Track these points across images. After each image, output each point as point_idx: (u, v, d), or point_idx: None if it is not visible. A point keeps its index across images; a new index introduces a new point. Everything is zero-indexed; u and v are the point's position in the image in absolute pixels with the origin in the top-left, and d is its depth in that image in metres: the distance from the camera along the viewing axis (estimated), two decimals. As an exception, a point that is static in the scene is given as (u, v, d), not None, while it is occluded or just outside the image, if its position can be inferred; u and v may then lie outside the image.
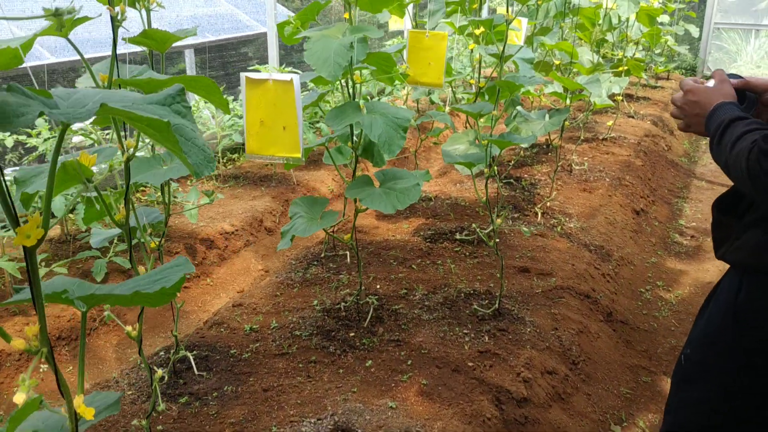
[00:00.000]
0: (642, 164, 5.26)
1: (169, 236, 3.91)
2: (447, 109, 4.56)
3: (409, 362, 2.50)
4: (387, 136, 2.21)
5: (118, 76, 1.41)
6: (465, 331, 2.71)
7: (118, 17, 1.35)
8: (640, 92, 7.89)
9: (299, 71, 6.05)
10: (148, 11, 1.99)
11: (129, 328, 1.62)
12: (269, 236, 4.37)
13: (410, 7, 3.86)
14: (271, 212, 4.52)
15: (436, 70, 2.87)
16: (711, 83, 1.50)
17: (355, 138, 2.50)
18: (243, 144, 4.21)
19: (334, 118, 2.26)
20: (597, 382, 2.77)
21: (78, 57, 5.25)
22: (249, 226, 4.31)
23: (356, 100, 2.45)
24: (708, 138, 1.41)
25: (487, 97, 3.46)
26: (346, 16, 2.42)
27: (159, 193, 4.12)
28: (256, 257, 4.12)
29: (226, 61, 8.59)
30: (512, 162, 4.80)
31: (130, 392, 2.38)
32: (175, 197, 4.09)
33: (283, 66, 5.81)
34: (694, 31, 8.75)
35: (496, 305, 2.83)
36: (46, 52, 5.38)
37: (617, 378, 2.86)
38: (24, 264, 3.20)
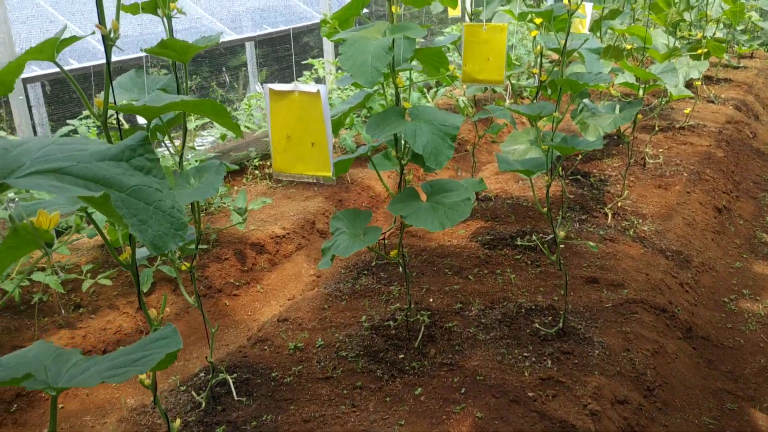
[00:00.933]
0: (724, 155, 4.83)
1: (219, 242, 3.80)
2: (507, 102, 4.28)
3: (463, 390, 2.28)
4: (433, 147, 1.99)
5: (115, 98, 1.24)
6: (525, 353, 2.47)
7: (111, 35, 1.18)
8: (721, 74, 7.33)
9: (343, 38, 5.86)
10: (169, 19, 1.82)
11: (142, 375, 1.47)
12: (321, 238, 4.21)
13: (466, -6, 3.60)
14: (324, 213, 4.35)
15: (495, 66, 2.61)
16: None
17: (402, 144, 2.29)
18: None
19: (375, 127, 2.05)
20: (675, 411, 2.48)
21: (135, 55, 5.15)
22: (301, 229, 4.17)
23: (401, 104, 2.23)
24: None
25: (549, 91, 3.17)
26: (394, 9, 2.20)
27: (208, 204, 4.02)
28: (308, 261, 3.97)
29: (285, 55, 8.48)
30: (579, 156, 4.48)
31: (161, 421, 2.25)
32: (223, 202, 3.97)
33: (338, 59, 5.63)
34: (781, 4, 8.08)
35: (561, 324, 2.58)
36: (72, 59, 5.35)
37: (698, 405, 2.56)
38: (70, 276, 3.14)
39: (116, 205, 0.69)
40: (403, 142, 2.26)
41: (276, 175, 1.82)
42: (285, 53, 8.80)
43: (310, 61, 5.54)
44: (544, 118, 2.49)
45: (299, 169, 1.77)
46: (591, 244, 2.46)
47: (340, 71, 5.58)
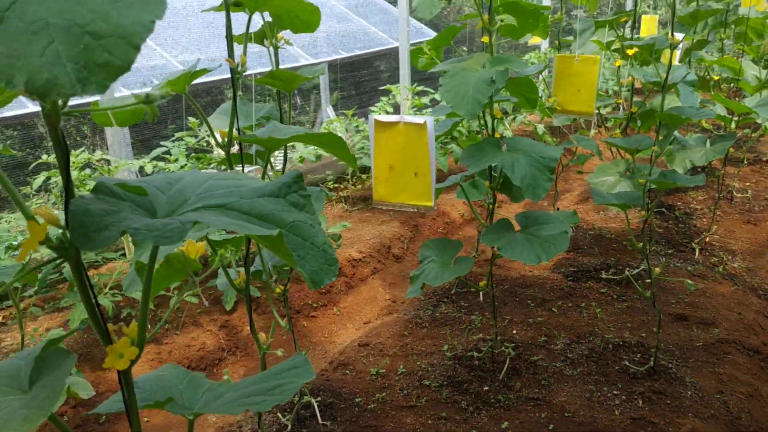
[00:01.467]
0: (817, 190, 4.62)
1: (298, 263, 3.86)
2: (591, 132, 4.22)
3: (551, 426, 2.23)
4: (531, 178, 1.97)
5: (239, 131, 1.29)
6: (615, 391, 2.40)
7: (238, 68, 1.22)
8: (810, 104, 7.04)
9: (431, 89, 5.90)
10: (276, 49, 1.88)
11: None
12: (397, 263, 4.22)
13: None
14: (399, 238, 4.37)
15: (586, 97, 2.59)
16: None
17: (493, 173, 2.28)
18: (370, 173, 4.09)
19: (471, 157, 2.05)
20: (774, 460, 2.36)
21: (220, 77, 5.29)
22: (377, 253, 4.19)
23: (495, 135, 2.23)
24: None
25: (639, 122, 3.12)
26: (485, 40, 2.21)
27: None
28: (384, 286, 3.99)
29: (358, 80, 8.61)
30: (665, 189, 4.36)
31: (252, 442, 2.29)
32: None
33: (415, 85, 5.67)
34: None
35: (651, 362, 2.50)
36: (155, 79, 5.55)
37: (798, 455, 2.43)
38: (120, 298, 3.24)
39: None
40: (494, 172, 2.25)
41: (376, 204, 1.85)
42: (359, 78, 8.93)
43: (387, 87, 5.61)
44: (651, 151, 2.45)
45: (401, 198, 1.78)
46: (689, 282, 2.39)
47: (415, 96, 5.62)
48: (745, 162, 4.76)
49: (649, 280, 3.19)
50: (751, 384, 2.61)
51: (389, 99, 5.57)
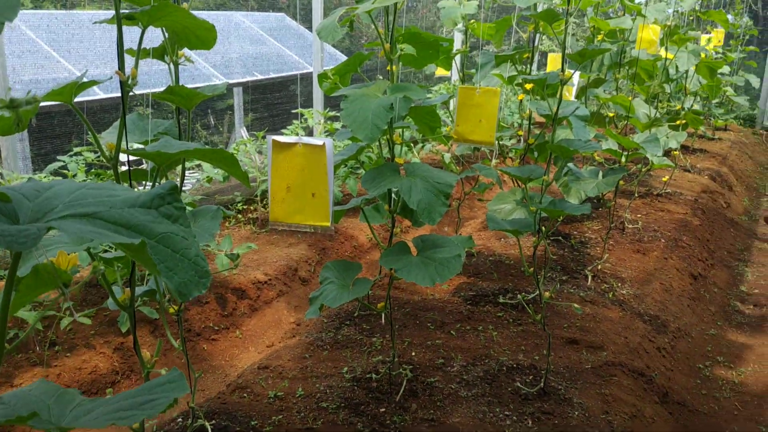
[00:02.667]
0: (700, 223, 4.96)
1: (201, 284, 3.78)
2: (493, 162, 4.38)
3: (443, 447, 2.28)
4: (427, 203, 2.03)
5: (127, 146, 1.27)
6: (506, 412, 2.47)
7: (129, 81, 1.21)
8: (697, 144, 7.57)
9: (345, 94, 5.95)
10: (176, 65, 1.87)
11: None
12: (303, 286, 4.21)
13: (457, 57, 3.71)
14: (307, 261, 4.36)
15: (486, 128, 2.69)
16: None
17: (393, 197, 2.33)
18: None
19: (371, 181, 2.09)
20: (652, 477, 2.49)
21: (109, 96, 5.16)
22: (283, 276, 4.17)
23: (395, 161, 2.28)
24: None
25: (536, 153, 3.26)
26: (394, 69, 2.27)
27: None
28: (289, 309, 3.96)
29: (273, 103, 8.58)
30: (560, 218, 4.56)
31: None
32: (207, 245, 3.97)
33: (327, 110, 5.72)
34: (754, 81, 8.41)
35: (542, 384, 2.60)
36: (98, 89, 5.40)
37: (674, 472, 2.57)
38: (47, 312, 3.10)
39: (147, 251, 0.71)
40: (394, 196, 2.30)
41: (272, 224, 1.85)
42: (274, 100, 8.90)
43: (300, 110, 5.62)
44: (535, 181, 2.56)
45: (298, 219, 1.80)
46: (576, 306, 2.51)
47: (329, 121, 5.66)
48: (636, 195, 5.06)
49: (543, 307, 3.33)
50: (635, 405, 2.75)
51: (301, 122, 5.59)
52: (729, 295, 4.30)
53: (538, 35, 3.65)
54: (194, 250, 0.78)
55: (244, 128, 8.47)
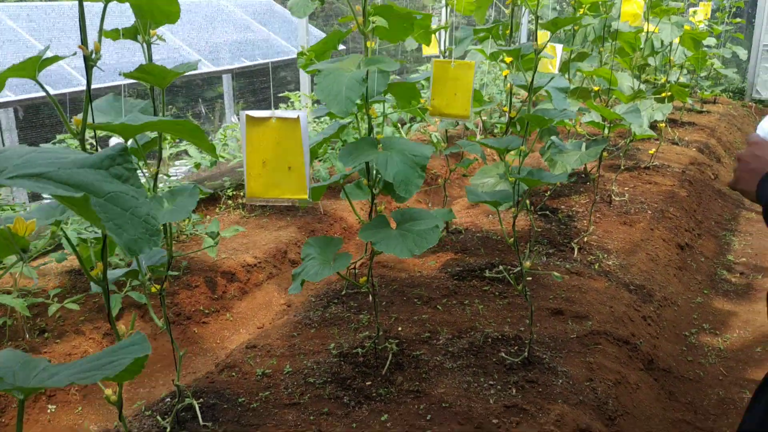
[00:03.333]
0: (687, 194, 4.98)
1: (190, 269, 3.80)
2: (479, 138, 4.39)
3: (429, 417, 2.31)
4: (403, 176, 2.05)
5: (93, 120, 1.28)
6: (491, 382, 2.51)
7: (92, 56, 1.22)
8: (686, 117, 7.58)
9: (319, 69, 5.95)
10: (149, 45, 1.87)
11: (109, 391, 1.48)
12: (293, 268, 4.22)
13: (442, 34, 3.72)
14: (296, 243, 4.38)
15: (462, 101, 2.70)
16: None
17: (374, 174, 2.35)
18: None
19: (348, 155, 2.11)
20: (636, 441, 2.53)
21: (111, 83, 5.17)
22: (272, 258, 4.19)
23: (373, 135, 2.29)
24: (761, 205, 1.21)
25: (519, 128, 3.27)
26: (368, 44, 2.28)
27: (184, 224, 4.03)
28: (279, 291, 3.99)
29: (262, 88, 8.57)
30: (548, 192, 4.58)
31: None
32: (196, 230, 3.99)
33: (314, 93, 5.71)
34: (742, 53, 8.42)
35: (526, 353, 2.63)
36: (82, 79, 5.38)
37: (659, 435, 2.61)
38: (36, 300, 3.12)
39: (94, 208, 0.73)
40: (375, 172, 2.31)
41: (249, 200, 1.86)
42: (262, 86, 8.89)
43: (286, 94, 5.62)
44: (515, 153, 2.58)
45: (275, 193, 1.81)
46: (556, 274, 2.53)
47: (315, 104, 5.66)
48: (623, 168, 5.08)
49: (530, 278, 3.35)
50: (619, 372, 2.79)
51: (287, 106, 5.58)
52: (716, 264, 4.33)
53: (525, 11, 3.64)
54: (145, 209, 0.79)
55: (235, 115, 8.45)
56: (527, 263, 2.44)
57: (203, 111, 9.22)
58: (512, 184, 2.38)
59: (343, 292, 3.33)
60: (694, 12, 6.78)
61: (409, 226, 2.17)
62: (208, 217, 4.68)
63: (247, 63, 8.10)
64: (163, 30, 1.87)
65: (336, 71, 2.01)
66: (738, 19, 8.87)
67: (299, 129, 1.77)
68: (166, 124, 1.24)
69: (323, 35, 9.46)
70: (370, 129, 2.24)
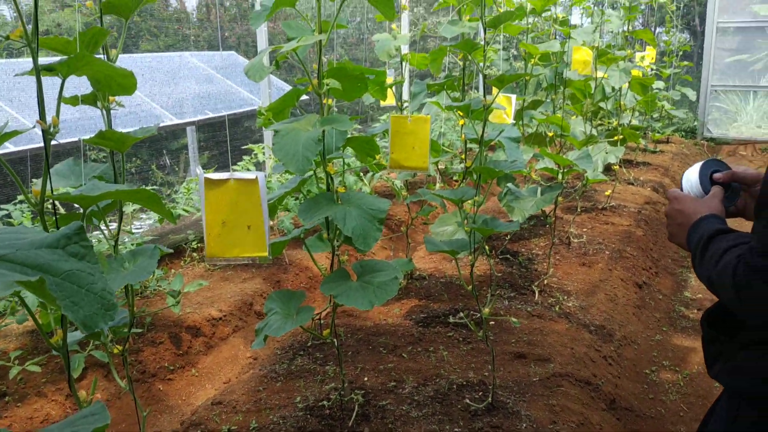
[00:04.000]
0: (643, 234, 5.13)
1: (154, 325, 3.78)
2: (437, 186, 4.48)
3: (395, 467, 2.32)
4: (362, 230, 2.11)
5: (52, 188, 1.32)
6: (456, 429, 2.53)
7: (51, 129, 1.27)
8: (640, 157, 7.83)
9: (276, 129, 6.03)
10: (108, 111, 1.92)
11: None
12: (259, 320, 4.21)
13: (399, 86, 3.83)
14: (262, 295, 4.38)
15: (420, 154, 2.78)
16: (688, 180, 1.43)
17: (335, 227, 2.40)
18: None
19: (306, 211, 2.16)
20: (601, 482, 2.57)
21: (73, 139, 5.15)
22: (238, 311, 4.18)
23: (334, 188, 2.36)
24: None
25: (475, 176, 3.37)
26: (327, 102, 2.36)
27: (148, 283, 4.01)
28: (245, 344, 3.97)
29: (224, 140, 8.63)
30: (508, 236, 4.68)
31: None
32: (159, 285, 3.98)
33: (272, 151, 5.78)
34: (691, 94, 8.77)
35: (490, 399, 2.67)
36: (8, 144, 5.36)
37: (623, 475, 2.66)
38: (-4, 363, 3.07)
39: (51, 288, 0.76)
40: (335, 224, 2.37)
41: (209, 260, 1.90)
42: (225, 137, 8.95)
43: (249, 146, 5.69)
44: (471, 202, 2.66)
45: (235, 252, 1.85)
46: (513, 320, 2.59)
47: (279, 155, 5.73)
48: (580, 210, 5.22)
49: (492, 322, 3.41)
50: (582, 413, 2.84)
51: (251, 158, 5.64)
52: (673, 301, 4.45)
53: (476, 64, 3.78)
54: (100, 284, 0.83)
55: (200, 166, 8.49)
56: (486, 310, 2.50)
57: (168, 163, 9.23)
58: (468, 233, 2.45)
59: (309, 344, 3.34)
60: (642, 57, 7.07)
61: (370, 278, 2.22)
62: (173, 270, 4.67)
63: (211, 115, 8.19)
64: None
65: (293, 131, 2.08)
66: (685, 62, 9.26)
67: (257, 189, 1.82)
68: (123, 194, 1.29)
69: (287, 87, 9.60)
70: (329, 185, 2.30)
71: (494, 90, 4.76)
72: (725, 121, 10.59)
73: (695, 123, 10.41)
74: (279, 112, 2.60)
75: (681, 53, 9.19)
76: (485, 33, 2.33)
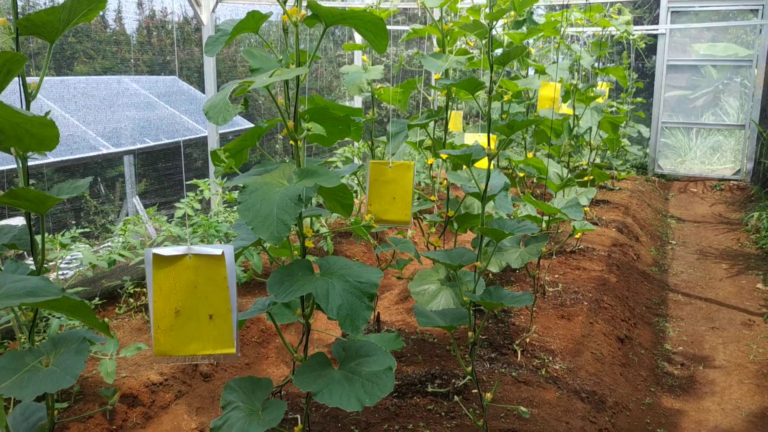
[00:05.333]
0: (617, 280, 4.87)
1: (83, 394, 3.25)
2: (409, 233, 4.11)
3: None
4: (349, 308, 1.70)
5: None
6: None
7: None
8: (600, 195, 7.67)
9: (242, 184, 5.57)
10: (24, 159, 1.47)
11: None
12: (206, 383, 3.73)
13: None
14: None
15: (401, 206, 2.41)
16: None
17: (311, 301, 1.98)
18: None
19: (279, 284, 1.74)
20: None
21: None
22: (181, 373, 3.67)
23: (306, 256, 1.95)
24: None
25: (456, 225, 3.01)
26: (300, 144, 1.95)
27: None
28: (190, 412, 3.47)
29: (168, 170, 8.11)
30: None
31: None
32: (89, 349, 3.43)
33: (224, 179, 5.31)
34: (645, 131, 8.73)
35: (486, 495, 2.27)
36: None
37: None
38: None
39: None
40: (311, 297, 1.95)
41: (158, 360, 1.45)
42: (169, 167, 8.44)
43: (194, 181, 5.19)
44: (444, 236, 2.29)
45: (192, 348, 1.42)
46: (523, 409, 2.21)
47: (227, 192, 5.26)
48: (554, 256, 4.92)
49: (475, 391, 3.03)
50: (586, 503, 2.47)
51: (197, 195, 5.15)
52: (655, 356, 4.17)
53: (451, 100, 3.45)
54: None
55: (137, 197, 7.93)
56: (488, 395, 2.10)
57: (103, 191, 8.62)
58: (465, 304, 2.07)
59: (267, 420, 2.88)
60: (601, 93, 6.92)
61: (356, 366, 1.81)
62: (106, 319, 4.12)
63: (151, 143, 7.66)
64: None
65: (264, 187, 1.67)
66: (639, 99, 9.25)
67: (224, 267, 1.40)
68: (43, 303, 0.85)
69: (236, 117, 9.09)
70: (304, 250, 1.89)
71: (453, 120, 4.45)
72: (673, 157, 10.64)
73: (646, 159, 10.40)
74: (236, 152, 2.18)
75: (634, 90, 9.18)
76: (492, 70, 1.99)
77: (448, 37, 2.78)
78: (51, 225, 6.99)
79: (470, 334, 2.10)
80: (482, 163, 3.21)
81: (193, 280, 1.39)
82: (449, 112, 2.90)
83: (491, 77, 1.96)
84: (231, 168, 1.96)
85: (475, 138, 3.36)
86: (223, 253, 1.41)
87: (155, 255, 1.37)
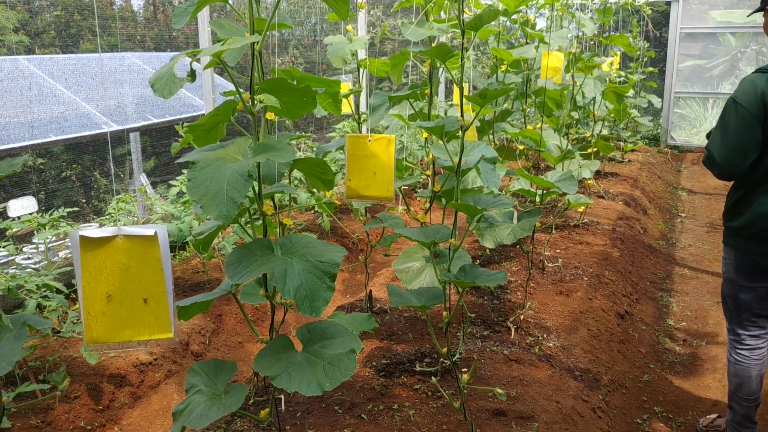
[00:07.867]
0: (620, 255, 4.75)
1: (69, 373, 3.22)
2: (399, 209, 4.02)
3: None
4: (308, 290, 1.62)
5: None
6: None
7: None
8: (608, 167, 7.50)
9: (192, 160, 5.50)
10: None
11: None
12: (197, 361, 3.69)
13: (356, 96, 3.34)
14: (200, 332, 3.85)
15: (382, 181, 2.31)
16: None
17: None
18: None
19: (237, 264, 1.66)
20: None
21: None
22: (171, 353, 3.64)
23: (274, 232, 1.87)
24: None
25: (444, 201, 2.91)
26: (269, 116, 1.86)
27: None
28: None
29: (167, 147, 8.08)
30: (478, 262, 4.25)
31: None
32: (74, 329, 3.40)
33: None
34: (656, 101, 8.51)
35: (467, 478, 2.20)
36: None
37: None
38: None
39: None
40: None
41: (89, 348, 1.39)
42: (168, 145, 8.40)
43: (186, 157, 5.11)
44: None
45: (126, 335, 1.35)
46: (499, 391, 2.13)
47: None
48: (554, 231, 4.81)
49: (465, 369, 2.95)
50: (573, 484, 2.40)
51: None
52: (657, 332, 4.07)
53: (441, 69, 3.33)
54: None
55: (144, 174, 7.91)
56: (465, 376, 2.03)
57: (112, 169, 8.63)
58: (442, 284, 1.99)
59: (251, 401, 2.83)
60: (611, 63, 6.73)
61: (319, 348, 1.73)
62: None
63: (154, 120, 7.61)
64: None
65: (216, 163, 1.58)
66: (651, 68, 9.01)
67: (157, 248, 1.33)
68: None
69: (230, 88, 9.05)
70: (265, 229, 1.81)
71: (457, 94, 4.31)
72: (687, 129, 10.41)
73: (658, 130, 10.19)
74: (209, 129, 2.09)
75: (646, 60, 8.94)
76: (463, 36, 1.88)
77: (432, 3, 2.66)
78: (62, 203, 6.99)
79: (444, 313, 2.01)
80: (470, 136, 3.11)
81: (125, 263, 1.31)
82: (433, 81, 2.79)
83: (462, 44, 1.85)
84: (189, 143, 1.88)
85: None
86: (156, 233, 1.33)
87: (82, 237, 1.30)
